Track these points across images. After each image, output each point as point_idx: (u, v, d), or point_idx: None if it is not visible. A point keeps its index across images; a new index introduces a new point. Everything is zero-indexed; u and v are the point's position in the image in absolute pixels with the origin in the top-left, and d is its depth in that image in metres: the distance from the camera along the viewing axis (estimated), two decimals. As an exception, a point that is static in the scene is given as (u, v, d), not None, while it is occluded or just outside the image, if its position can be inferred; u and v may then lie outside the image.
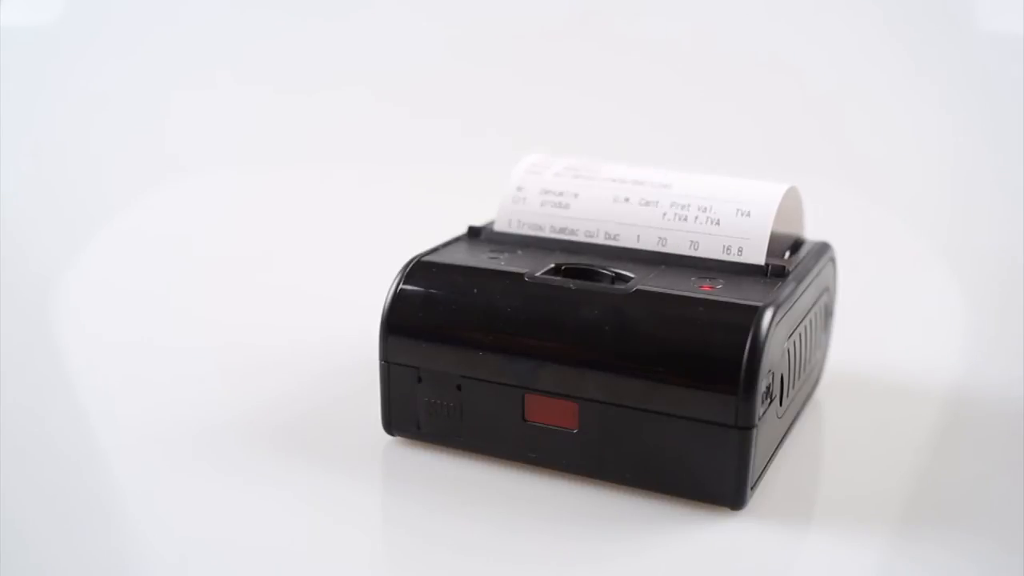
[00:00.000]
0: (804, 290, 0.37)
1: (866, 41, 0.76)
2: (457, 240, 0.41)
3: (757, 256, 0.38)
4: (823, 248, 0.42)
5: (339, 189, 0.74)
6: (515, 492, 0.36)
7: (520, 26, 0.80)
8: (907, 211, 0.70)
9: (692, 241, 0.39)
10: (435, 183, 0.72)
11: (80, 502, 0.35)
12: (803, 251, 0.41)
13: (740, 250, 0.38)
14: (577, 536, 0.33)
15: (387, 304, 0.37)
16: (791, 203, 0.40)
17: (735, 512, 0.34)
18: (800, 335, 0.37)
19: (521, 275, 0.37)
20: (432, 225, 0.45)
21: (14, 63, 0.78)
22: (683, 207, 0.39)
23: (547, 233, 0.41)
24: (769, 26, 0.78)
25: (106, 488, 0.37)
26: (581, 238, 0.40)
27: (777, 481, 0.37)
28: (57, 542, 0.33)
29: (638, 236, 0.39)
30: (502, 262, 0.38)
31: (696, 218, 0.39)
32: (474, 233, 0.42)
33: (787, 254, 0.40)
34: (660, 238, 0.39)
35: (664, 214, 0.39)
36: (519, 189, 0.42)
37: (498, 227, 0.42)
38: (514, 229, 0.41)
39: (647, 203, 0.40)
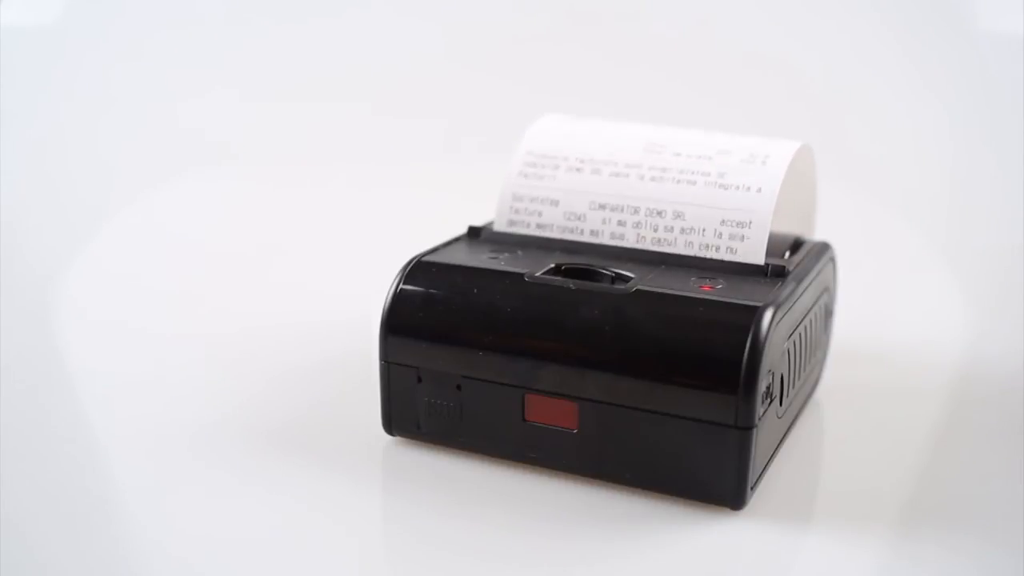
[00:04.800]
0: (804, 290, 0.37)
1: (865, 40, 0.76)
2: (457, 240, 0.41)
3: (756, 255, 0.38)
4: (823, 248, 0.42)
5: (339, 189, 0.74)
6: (515, 492, 0.36)
7: (520, 25, 0.80)
8: (907, 210, 0.69)
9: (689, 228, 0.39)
10: (435, 183, 0.72)
11: (79, 503, 0.35)
12: (803, 251, 0.41)
13: (744, 232, 0.38)
14: (577, 536, 0.33)
15: (387, 304, 0.37)
16: (797, 177, 0.40)
17: (735, 512, 0.34)
18: (800, 335, 0.37)
19: (521, 275, 0.37)
20: (432, 225, 0.45)
21: (14, 63, 0.78)
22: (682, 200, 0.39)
23: (546, 233, 0.41)
24: (768, 25, 0.78)
25: (105, 487, 0.37)
26: (582, 237, 0.40)
27: (777, 481, 0.37)
28: (55, 541, 0.33)
29: (638, 235, 0.39)
30: (502, 262, 0.38)
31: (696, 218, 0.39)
32: (474, 233, 0.42)
33: (787, 254, 0.40)
34: (659, 239, 0.39)
35: (666, 224, 0.39)
36: (514, 191, 0.42)
37: (497, 226, 0.42)
38: (514, 229, 0.41)
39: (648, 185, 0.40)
